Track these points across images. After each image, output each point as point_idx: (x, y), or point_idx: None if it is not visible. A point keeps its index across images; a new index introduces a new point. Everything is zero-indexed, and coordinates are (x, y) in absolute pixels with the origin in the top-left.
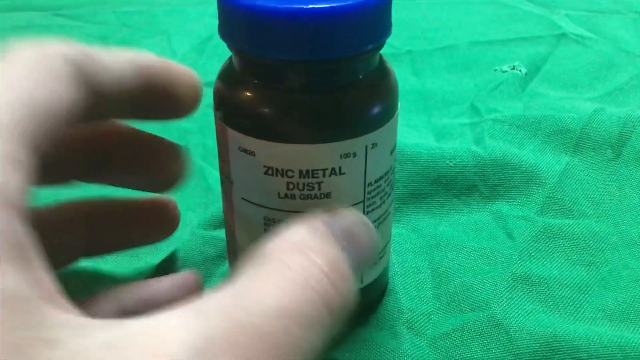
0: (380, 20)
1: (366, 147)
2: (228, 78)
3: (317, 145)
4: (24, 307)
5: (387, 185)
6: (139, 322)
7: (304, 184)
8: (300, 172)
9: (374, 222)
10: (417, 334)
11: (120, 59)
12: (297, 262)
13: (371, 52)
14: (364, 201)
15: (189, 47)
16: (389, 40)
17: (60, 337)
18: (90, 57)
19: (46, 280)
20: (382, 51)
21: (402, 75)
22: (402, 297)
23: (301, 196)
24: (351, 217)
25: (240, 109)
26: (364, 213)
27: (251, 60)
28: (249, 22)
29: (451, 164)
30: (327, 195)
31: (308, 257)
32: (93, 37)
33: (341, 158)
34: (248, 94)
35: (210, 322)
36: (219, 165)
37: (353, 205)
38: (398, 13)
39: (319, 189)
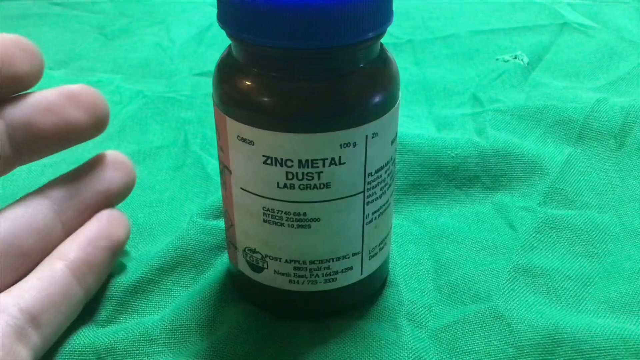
0: (380, 8)
1: (366, 136)
2: (227, 67)
3: (317, 134)
4: None
5: (388, 175)
6: None
7: (303, 173)
8: (300, 161)
9: (374, 212)
10: (418, 326)
11: None
12: None
13: (372, 40)
14: (364, 191)
15: (187, 37)
16: (389, 30)
17: None
18: None
19: None
20: (382, 40)
21: (403, 65)
22: (403, 289)
23: (300, 186)
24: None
25: (240, 98)
26: (364, 203)
27: (251, 48)
28: (248, 10)
29: (453, 154)
30: (327, 185)
31: None
32: (91, 26)
33: (341, 148)
34: (247, 82)
35: None
36: (218, 155)
37: (353, 195)
38: (399, 2)
39: (319, 178)
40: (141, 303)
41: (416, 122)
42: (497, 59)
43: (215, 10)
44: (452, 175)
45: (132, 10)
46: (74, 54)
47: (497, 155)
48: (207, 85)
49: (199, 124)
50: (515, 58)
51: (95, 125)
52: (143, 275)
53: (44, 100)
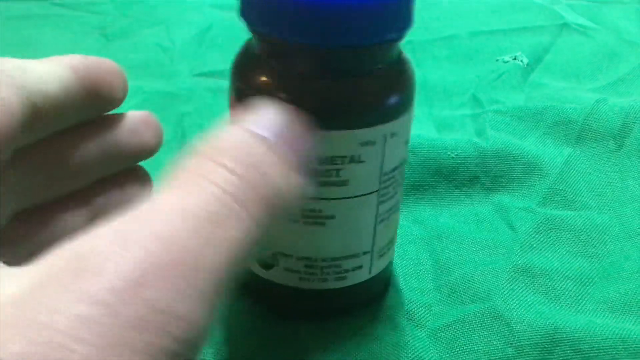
0: (405, 9)
1: (385, 136)
2: (249, 64)
3: (339, 132)
4: None
5: (400, 175)
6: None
7: (322, 170)
8: (320, 158)
9: (386, 211)
10: (417, 326)
11: (52, 66)
12: (199, 165)
13: (396, 41)
14: (378, 190)
15: (188, 37)
16: None
17: None
18: (22, 68)
19: None
20: None
21: None
22: (403, 289)
23: (319, 183)
24: (274, 112)
25: (263, 95)
26: (377, 202)
27: (274, 44)
28: (273, 5)
29: (453, 155)
30: (344, 183)
31: (210, 158)
32: (91, 27)
33: (361, 146)
34: (271, 79)
35: (89, 238)
36: None
37: (368, 194)
38: None
39: (337, 176)
40: None
41: (416, 122)
42: (496, 60)
43: (216, 11)
44: (452, 176)
45: (133, 11)
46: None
47: (497, 156)
48: (208, 83)
49: (197, 116)
50: (515, 59)
51: (158, 147)
52: None
53: (130, 121)
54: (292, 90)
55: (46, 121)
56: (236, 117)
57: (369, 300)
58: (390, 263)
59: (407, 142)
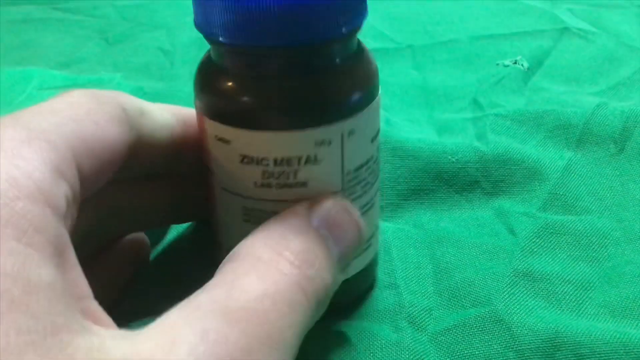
0: (353, 3)
1: (342, 134)
2: (205, 68)
3: (291, 132)
4: (59, 298)
5: (369, 174)
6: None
7: (279, 172)
8: (275, 160)
9: None
10: (418, 329)
11: (168, 117)
12: (268, 257)
13: (346, 36)
14: (342, 190)
15: (188, 41)
16: (389, 35)
17: (87, 329)
18: (141, 109)
19: (78, 280)
20: (383, 45)
21: (404, 70)
22: (404, 292)
23: (277, 185)
24: (332, 206)
25: (215, 98)
26: None
27: (223, 47)
28: (221, 10)
29: (453, 159)
30: (303, 184)
31: (276, 251)
32: (92, 30)
33: (316, 145)
34: (222, 82)
35: (208, 315)
36: (202, 157)
37: (331, 194)
38: (399, 7)
39: (295, 177)
40: (141, 303)
41: (417, 126)
42: (497, 64)
43: None
44: (452, 181)
45: (134, 15)
46: (75, 57)
47: (498, 160)
48: None
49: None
50: (516, 63)
51: None
52: (143, 275)
53: None
54: (243, 92)
55: (142, 164)
56: (299, 206)
57: (347, 303)
58: (373, 263)
59: (374, 139)
